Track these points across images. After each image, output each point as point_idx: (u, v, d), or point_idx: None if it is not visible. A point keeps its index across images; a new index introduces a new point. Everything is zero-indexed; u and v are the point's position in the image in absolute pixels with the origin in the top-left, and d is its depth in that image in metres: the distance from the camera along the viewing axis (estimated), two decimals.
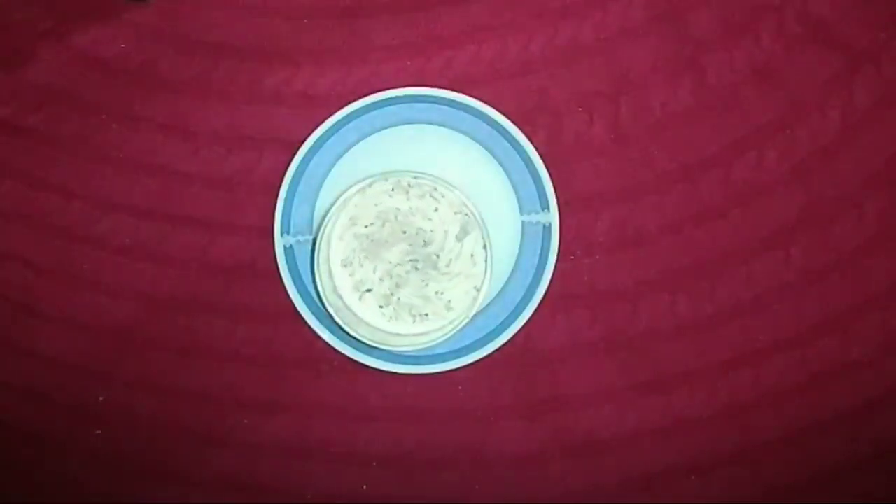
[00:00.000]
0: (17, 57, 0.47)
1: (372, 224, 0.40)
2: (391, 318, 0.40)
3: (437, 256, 0.40)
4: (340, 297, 0.40)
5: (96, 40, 0.47)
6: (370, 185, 0.39)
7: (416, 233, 0.40)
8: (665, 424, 0.46)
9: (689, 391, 0.46)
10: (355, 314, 0.40)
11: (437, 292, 0.40)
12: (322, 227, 0.39)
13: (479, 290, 0.39)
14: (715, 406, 0.46)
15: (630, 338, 0.46)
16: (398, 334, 0.40)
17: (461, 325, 0.39)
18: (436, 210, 0.40)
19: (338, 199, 0.39)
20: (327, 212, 0.40)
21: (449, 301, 0.40)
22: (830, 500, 0.46)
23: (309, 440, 0.46)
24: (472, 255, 0.40)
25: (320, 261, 0.39)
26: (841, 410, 0.46)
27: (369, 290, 0.40)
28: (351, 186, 0.39)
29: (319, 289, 0.39)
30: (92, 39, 0.47)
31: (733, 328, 0.46)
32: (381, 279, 0.40)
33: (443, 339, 0.40)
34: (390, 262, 0.40)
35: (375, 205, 0.40)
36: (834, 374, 0.46)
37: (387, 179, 0.39)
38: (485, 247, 0.39)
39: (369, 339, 0.40)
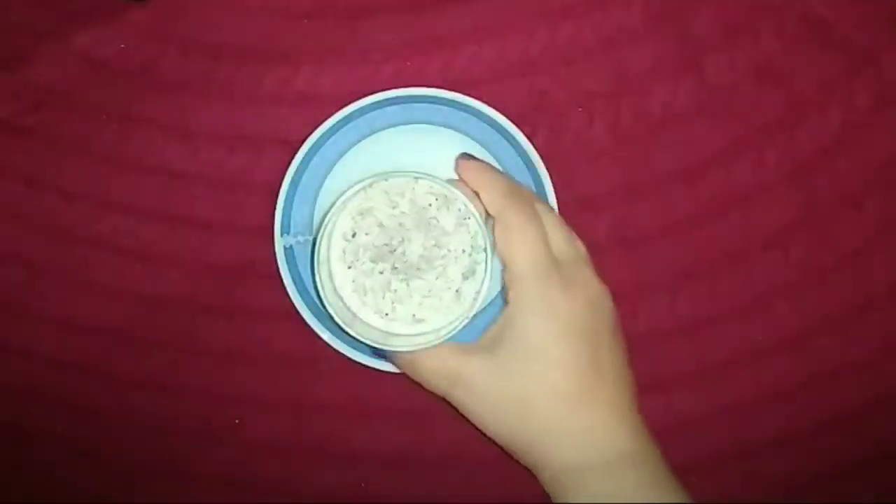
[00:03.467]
0: (17, 57, 0.47)
1: (440, 205, 0.39)
2: (360, 298, 0.39)
3: (415, 293, 0.39)
4: (340, 298, 0.40)
5: (96, 40, 0.47)
6: (370, 185, 0.39)
7: (443, 266, 0.39)
8: (665, 424, 0.46)
9: (689, 391, 0.46)
10: (355, 314, 0.39)
11: (392, 301, 0.39)
12: (322, 227, 0.39)
13: (478, 293, 0.38)
14: (715, 406, 0.46)
15: (630, 338, 0.46)
16: (394, 334, 0.39)
17: (459, 327, 0.39)
18: (468, 253, 0.39)
19: (337, 199, 0.39)
20: (327, 212, 0.40)
21: (413, 315, 0.39)
22: (830, 500, 0.46)
23: (308, 439, 0.46)
24: (457, 291, 0.39)
25: (320, 260, 0.39)
26: (841, 410, 0.46)
27: (350, 238, 0.39)
28: (351, 187, 0.39)
29: (319, 288, 0.39)
30: (92, 39, 0.47)
31: (733, 328, 0.46)
32: (368, 232, 0.39)
33: (437, 342, 0.38)
34: (403, 241, 0.39)
35: (459, 210, 0.39)
36: (834, 374, 0.46)
37: (387, 179, 0.39)
38: (485, 249, 0.38)
39: (367, 339, 0.39)
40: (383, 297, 0.39)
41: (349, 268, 0.39)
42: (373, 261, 0.39)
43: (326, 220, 0.39)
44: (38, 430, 0.47)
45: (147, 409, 0.47)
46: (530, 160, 0.43)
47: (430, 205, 0.39)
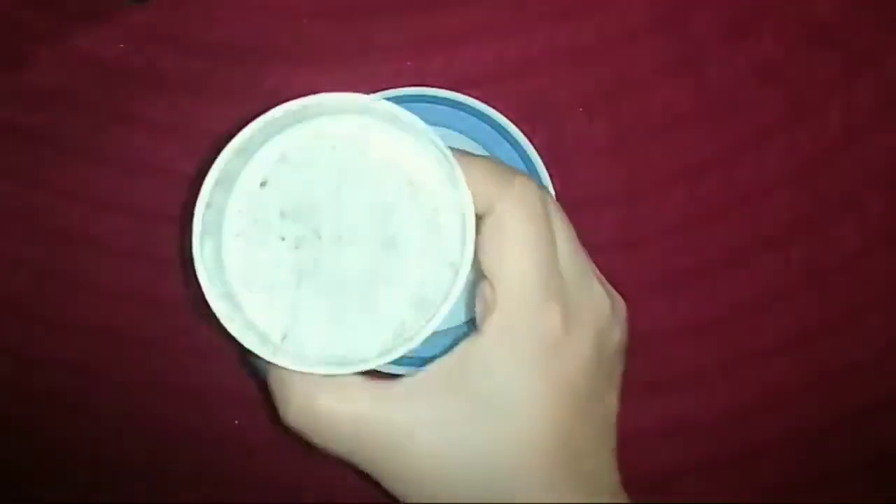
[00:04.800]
0: (17, 57, 0.47)
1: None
2: (249, 277, 0.27)
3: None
4: (224, 277, 0.27)
5: (96, 41, 0.47)
6: (304, 119, 0.27)
7: (384, 292, 0.26)
8: (665, 425, 0.46)
9: (690, 392, 0.46)
10: (238, 303, 0.27)
11: (296, 293, 0.26)
12: (214, 167, 0.28)
13: (431, 320, 0.25)
14: (715, 407, 0.46)
15: (630, 338, 0.46)
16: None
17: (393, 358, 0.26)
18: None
19: (245, 130, 0.28)
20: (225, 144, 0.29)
21: (324, 329, 0.26)
22: (830, 500, 0.46)
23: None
24: (402, 322, 0.26)
25: (206, 220, 0.27)
26: (842, 411, 0.46)
27: (258, 188, 0.27)
28: (272, 111, 0.27)
29: (196, 256, 0.26)
30: (92, 40, 0.47)
31: (733, 329, 0.46)
32: (289, 182, 0.26)
33: (354, 370, 0.25)
34: (338, 238, 0.26)
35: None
36: (835, 375, 0.46)
37: (330, 115, 0.27)
38: (457, 267, 0.26)
39: (251, 345, 0.26)
40: (283, 286, 0.26)
41: (242, 230, 0.27)
42: (283, 216, 0.26)
43: (223, 156, 0.27)
44: (38, 429, 0.47)
45: (147, 409, 0.47)
46: (530, 160, 0.43)
47: (397, 184, 0.26)
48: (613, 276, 0.46)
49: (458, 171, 0.26)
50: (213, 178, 0.27)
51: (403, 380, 0.25)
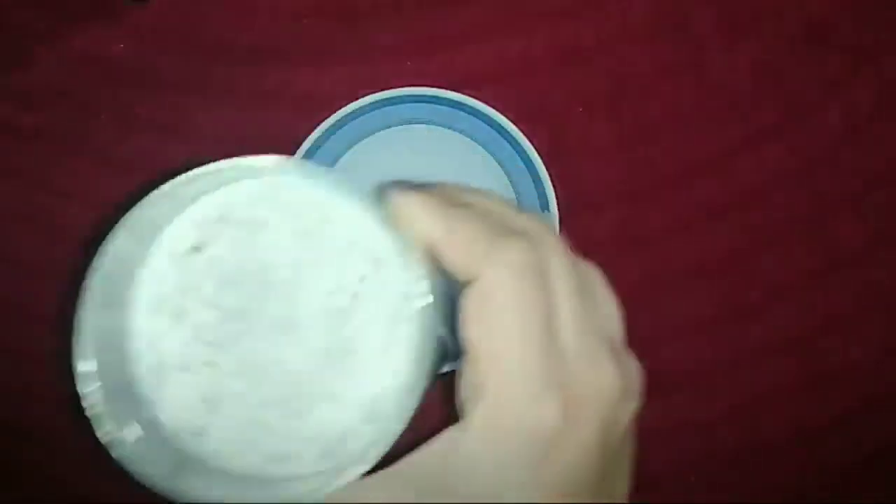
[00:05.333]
0: (16, 57, 0.47)
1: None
2: (170, 373, 0.22)
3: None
4: (123, 366, 0.22)
5: (96, 40, 0.47)
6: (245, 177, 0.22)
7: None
8: (665, 425, 0.46)
9: (690, 392, 0.46)
10: (147, 405, 0.22)
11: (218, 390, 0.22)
12: (123, 224, 0.22)
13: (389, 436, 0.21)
14: (715, 406, 0.46)
15: (630, 338, 0.46)
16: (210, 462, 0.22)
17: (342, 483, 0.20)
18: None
19: (173, 181, 0.22)
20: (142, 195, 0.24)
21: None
22: (830, 500, 0.46)
23: None
24: (341, 437, 0.22)
25: (109, 295, 0.22)
26: (842, 411, 0.46)
27: (188, 252, 0.22)
28: (206, 168, 0.22)
29: (78, 348, 0.22)
30: (92, 40, 0.47)
31: (734, 328, 0.46)
32: (232, 246, 0.21)
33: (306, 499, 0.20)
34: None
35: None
36: (835, 374, 0.46)
37: (281, 173, 0.21)
38: (425, 363, 0.22)
39: (148, 472, 0.22)
40: (202, 374, 0.22)
41: (162, 301, 0.22)
42: (217, 290, 0.21)
43: (138, 210, 0.22)
44: (38, 430, 0.47)
45: None
46: (530, 160, 0.43)
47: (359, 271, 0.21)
48: (613, 276, 0.46)
49: (408, 247, 0.20)
50: (120, 234, 0.21)
51: (368, 480, 0.21)
